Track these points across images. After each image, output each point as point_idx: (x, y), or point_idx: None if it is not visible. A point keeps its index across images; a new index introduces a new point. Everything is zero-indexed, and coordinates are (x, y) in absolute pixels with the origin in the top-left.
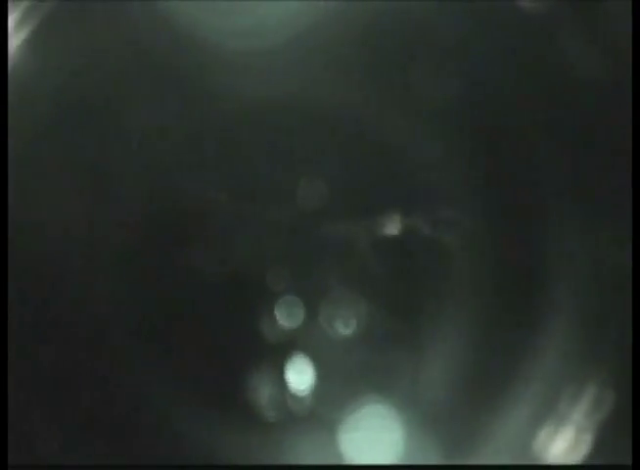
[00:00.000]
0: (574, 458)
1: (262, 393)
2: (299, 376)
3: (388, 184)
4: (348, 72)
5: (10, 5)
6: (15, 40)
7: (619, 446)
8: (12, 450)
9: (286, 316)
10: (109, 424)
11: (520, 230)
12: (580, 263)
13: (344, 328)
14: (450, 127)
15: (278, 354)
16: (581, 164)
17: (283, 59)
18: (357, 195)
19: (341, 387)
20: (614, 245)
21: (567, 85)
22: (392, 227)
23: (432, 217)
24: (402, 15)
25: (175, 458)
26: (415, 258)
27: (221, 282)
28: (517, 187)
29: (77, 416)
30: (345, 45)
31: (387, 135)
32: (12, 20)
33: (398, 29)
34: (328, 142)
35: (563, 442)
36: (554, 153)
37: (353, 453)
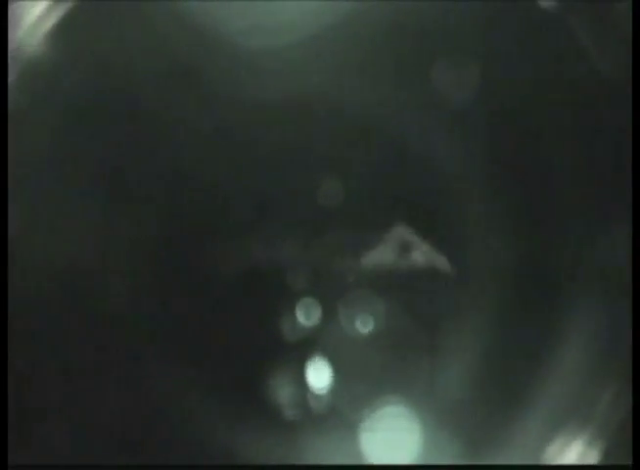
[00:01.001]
0: (591, 459)
1: (282, 391)
2: (319, 375)
3: (406, 183)
4: (365, 72)
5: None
6: (35, 36)
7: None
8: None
9: (305, 316)
10: (127, 423)
11: (537, 229)
12: (597, 264)
13: (364, 327)
14: (468, 127)
15: (298, 354)
16: (598, 163)
17: (299, 58)
18: (375, 194)
19: (359, 386)
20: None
21: (585, 84)
22: (410, 226)
23: (450, 217)
24: (419, 14)
25: (194, 457)
26: (433, 258)
27: (240, 282)
28: (535, 187)
29: (92, 417)
30: (362, 44)
31: (405, 135)
32: (32, 16)
33: (415, 29)
34: (346, 141)
35: (580, 443)
36: (574, 152)
37: (372, 452)
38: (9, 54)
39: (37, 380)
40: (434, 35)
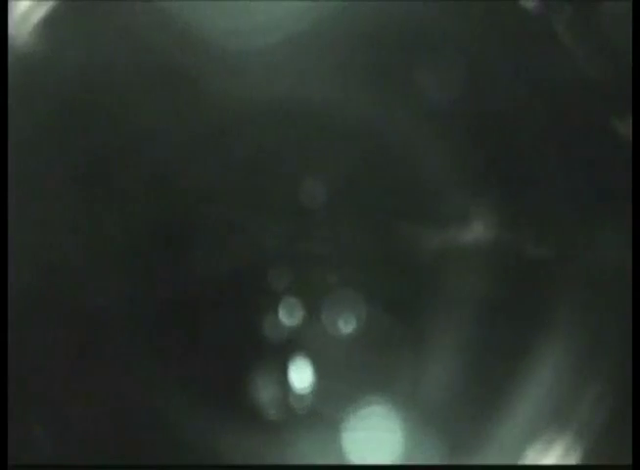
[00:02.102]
0: (576, 458)
1: (264, 391)
2: (301, 375)
3: (391, 184)
4: (348, 71)
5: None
6: (22, 31)
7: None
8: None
9: (287, 315)
10: (108, 423)
11: (525, 229)
12: (588, 261)
13: (346, 327)
14: (454, 126)
15: (279, 353)
16: (588, 162)
17: (281, 58)
18: (359, 194)
19: (342, 385)
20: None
21: (570, 83)
22: (394, 226)
23: (435, 217)
24: (402, 13)
25: (176, 457)
26: (417, 257)
27: (222, 281)
28: (525, 187)
29: (76, 416)
30: (345, 44)
31: (389, 134)
32: (18, 12)
33: (399, 28)
34: (328, 141)
35: (564, 441)
36: (561, 151)
37: (354, 452)
38: None
39: (27, 378)
40: (417, 35)
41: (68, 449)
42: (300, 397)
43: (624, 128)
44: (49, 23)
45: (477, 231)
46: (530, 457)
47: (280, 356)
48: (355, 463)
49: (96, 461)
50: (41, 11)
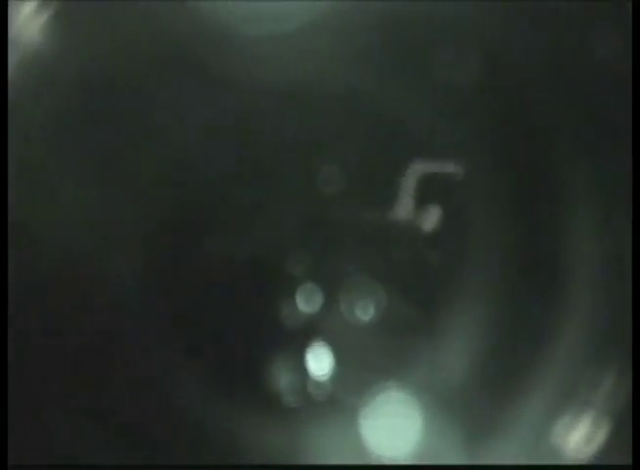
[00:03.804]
0: (593, 446)
1: (282, 378)
2: (319, 361)
3: (406, 169)
4: (366, 57)
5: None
6: (31, 27)
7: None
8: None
9: (305, 302)
10: (125, 408)
11: (539, 214)
12: (599, 249)
13: (364, 314)
14: (468, 112)
15: (298, 340)
16: (601, 150)
17: (299, 44)
18: (375, 180)
19: (360, 372)
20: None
21: (584, 70)
22: (410, 213)
23: (449, 203)
24: (419, 1)
25: (194, 445)
26: (433, 244)
27: (240, 268)
28: (536, 172)
29: (95, 403)
30: (363, 29)
31: (404, 120)
32: (28, 8)
33: (415, 15)
34: (345, 127)
35: (581, 429)
36: (575, 140)
37: (372, 438)
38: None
39: (36, 370)
40: (434, 22)
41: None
42: (319, 383)
43: None
44: (61, 13)
45: (494, 215)
46: (548, 443)
47: (298, 343)
48: (373, 449)
49: (113, 451)
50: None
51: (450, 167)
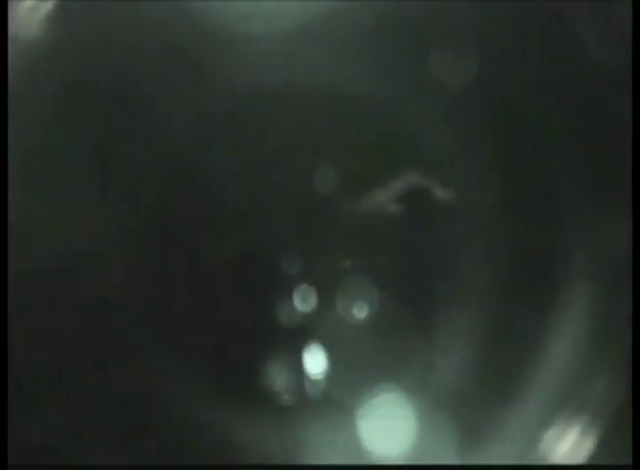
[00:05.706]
0: (587, 448)
1: (277, 377)
2: (314, 360)
3: (402, 169)
4: (360, 57)
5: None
6: (31, 21)
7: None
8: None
9: (301, 301)
10: (120, 409)
11: (535, 213)
12: (594, 250)
13: (360, 313)
14: (465, 113)
15: (293, 339)
16: (596, 150)
17: (293, 44)
18: (370, 179)
19: (355, 371)
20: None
21: (582, 70)
22: (406, 211)
23: (445, 203)
24: (417, 1)
25: (189, 444)
26: (429, 243)
27: (236, 267)
28: (533, 171)
29: (88, 404)
30: (357, 30)
31: (400, 120)
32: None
33: (412, 14)
34: (341, 126)
35: (576, 431)
36: (572, 139)
37: (367, 437)
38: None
39: (33, 370)
40: (431, 22)
41: (74, 443)
42: (314, 382)
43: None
44: (59, 9)
45: (491, 214)
46: (543, 444)
47: (294, 342)
48: (368, 449)
49: (109, 451)
50: None
51: (447, 168)
